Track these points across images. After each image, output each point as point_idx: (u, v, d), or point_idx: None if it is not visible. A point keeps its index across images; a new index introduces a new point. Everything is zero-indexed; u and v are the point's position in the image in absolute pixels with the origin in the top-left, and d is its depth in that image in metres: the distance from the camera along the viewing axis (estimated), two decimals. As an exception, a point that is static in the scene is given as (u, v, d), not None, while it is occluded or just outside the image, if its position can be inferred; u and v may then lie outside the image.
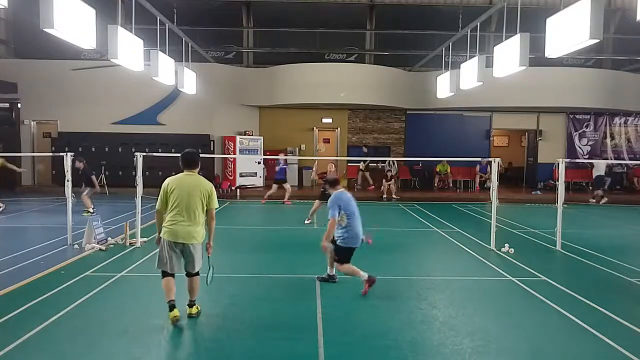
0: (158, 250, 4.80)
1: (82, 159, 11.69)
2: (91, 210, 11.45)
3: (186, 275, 4.82)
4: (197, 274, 4.85)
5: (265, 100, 17.67)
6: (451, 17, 15.28)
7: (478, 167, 17.83)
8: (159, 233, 4.78)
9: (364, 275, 5.62)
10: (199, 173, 4.95)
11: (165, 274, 4.74)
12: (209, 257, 4.92)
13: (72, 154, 8.49)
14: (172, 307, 4.62)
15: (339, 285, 6.05)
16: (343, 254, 5.70)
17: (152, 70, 10.52)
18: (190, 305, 4.86)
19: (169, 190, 4.72)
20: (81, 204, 11.39)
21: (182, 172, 4.86)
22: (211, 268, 4.99)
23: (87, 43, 6.90)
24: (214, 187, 4.88)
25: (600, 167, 16.25)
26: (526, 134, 20.03)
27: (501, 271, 6.87)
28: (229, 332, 4.55)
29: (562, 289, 6.04)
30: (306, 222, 10.76)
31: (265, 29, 18.84)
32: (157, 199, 4.80)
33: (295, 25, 18.53)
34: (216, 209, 4.84)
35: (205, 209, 4.77)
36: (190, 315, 4.80)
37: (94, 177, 11.74)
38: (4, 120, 17.46)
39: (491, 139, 19.41)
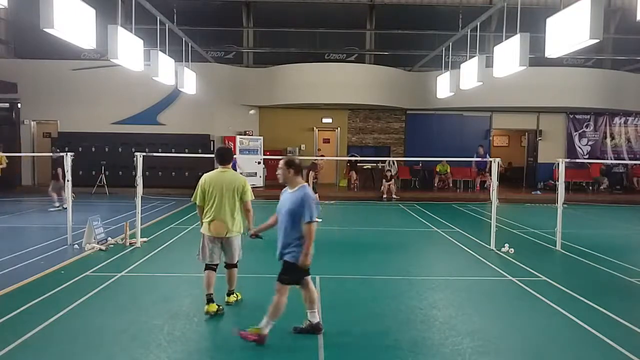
0: (200, 243, 5.04)
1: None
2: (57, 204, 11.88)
3: (225, 267, 5.13)
4: (236, 265, 5.14)
5: (265, 100, 17.67)
6: (451, 17, 15.29)
7: (474, 163, 17.08)
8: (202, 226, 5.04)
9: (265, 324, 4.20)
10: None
11: (207, 267, 4.98)
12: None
13: (72, 153, 8.49)
14: (209, 300, 4.86)
15: (338, 285, 6.05)
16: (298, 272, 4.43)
17: (152, 70, 10.53)
18: (229, 294, 5.19)
19: (206, 187, 4.93)
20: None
21: (216, 168, 5.09)
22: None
23: (87, 43, 6.92)
24: (247, 181, 5.14)
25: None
26: (526, 134, 20.03)
27: (501, 271, 6.87)
28: (228, 332, 4.53)
29: (562, 289, 6.04)
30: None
31: (265, 29, 18.85)
32: (194, 194, 5.04)
33: (295, 25, 18.55)
34: (251, 200, 5.08)
35: (239, 202, 4.99)
36: (228, 303, 5.12)
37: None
38: (4, 120, 17.47)
39: (491, 139, 19.41)
